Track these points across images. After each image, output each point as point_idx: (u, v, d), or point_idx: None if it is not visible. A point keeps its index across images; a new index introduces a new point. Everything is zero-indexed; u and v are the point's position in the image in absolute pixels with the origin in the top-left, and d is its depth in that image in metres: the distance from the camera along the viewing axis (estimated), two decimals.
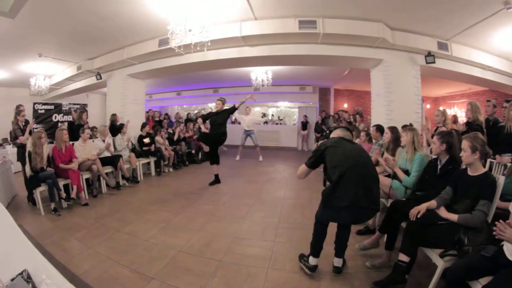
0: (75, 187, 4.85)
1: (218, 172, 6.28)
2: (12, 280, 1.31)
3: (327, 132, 10.31)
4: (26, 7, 4.41)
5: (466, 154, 2.36)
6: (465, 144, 2.39)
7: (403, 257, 2.33)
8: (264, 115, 15.56)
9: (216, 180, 6.28)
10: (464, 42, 5.93)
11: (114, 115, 7.48)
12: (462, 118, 10.33)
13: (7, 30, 5.35)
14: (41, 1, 4.42)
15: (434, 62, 5.69)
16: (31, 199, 4.93)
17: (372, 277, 2.55)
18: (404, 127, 3.94)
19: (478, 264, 1.87)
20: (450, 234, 2.24)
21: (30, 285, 1.31)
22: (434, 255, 2.30)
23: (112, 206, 4.93)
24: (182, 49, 4.59)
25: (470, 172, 2.41)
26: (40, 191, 4.64)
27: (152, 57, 7.03)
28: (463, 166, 2.56)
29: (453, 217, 2.28)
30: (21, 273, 1.35)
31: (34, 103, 10.76)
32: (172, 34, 4.25)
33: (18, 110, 5.39)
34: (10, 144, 9.00)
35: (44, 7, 4.67)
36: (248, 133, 9.72)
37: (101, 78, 8.03)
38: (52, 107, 11.26)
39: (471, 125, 4.31)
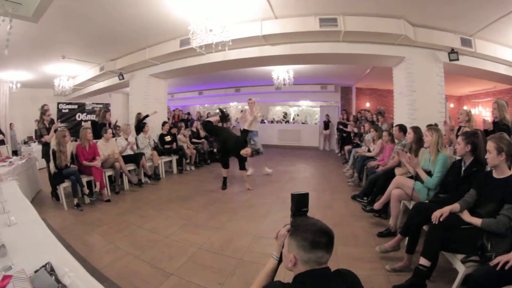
0: (98, 183, 4.99)
1: (226, 175, 5.93)
2: (35, 272, 1.35)
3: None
4: (49, 12, 4.54)
5: (492, 156, 2.27)
6: (490, 145, 2.29)
7: (424, 261, 2.27)
8: (285, 114, 15.53)
9: (223, 184, 5.92)
10: (488, 38, 5.71)
11: (139, 113, 7.65)
12: (487, 118, 10.00)
13: (32, 34, 5.56)
14: (63, 6, 4.55)
15: (457, 59, 5.51)
16: (55, 195, 5.11)
17: (392, 281, 2.50)
18: (429, 126, 3.82)
19: (502, 271, 1.80)
20: (473, 239, 2.17)
21: (53, 277, 1.35)
22: (456, 260, 2.23)
23: (133, 203, 5.04)
24: (203, 49, 4.63)
25: (495, 175, 2.32)
26: (64, 187, 4.79)
27: (174, 57, 7.11)
28: (488, 168, 2.47)
29: (477, 221, 2.21)
30: (44, 266, 1.40)
31: (58, 103, 11.07)
32: (193, 34, 4.28)
33: (44, 110, 5.58)
34: (35, 142, 9.36)
35: (66, 12, 4.83)
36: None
37: (123, 78, 8.24)
38: (76, 106, 11.56)
39: (498, 125, 4.14)
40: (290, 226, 1.36)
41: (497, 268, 1.82)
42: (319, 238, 1.19)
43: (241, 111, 14.14)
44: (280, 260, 1.52)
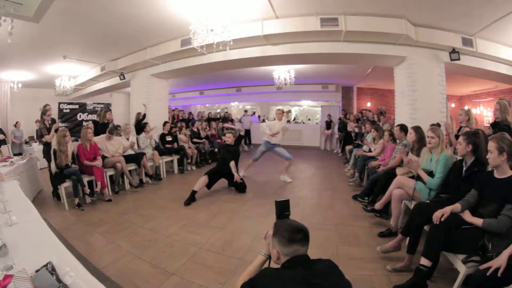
0: (99, 183, 5.00)
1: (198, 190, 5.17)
2: (36, 271, 1.35)
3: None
4: (50, 12, 4.56)
5: (493, 156, 2.26)
6: (491, 145, 2.28)
7: (425, 261, 2.27)
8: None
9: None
10: (489, 37, 5.70)
11: (139, 113, 7.68)
12: (488, 118, 10.01)
13: (33, 34, 5.58)
14: (64, 6, 4.57)
15: (458, 59, 5.50)
16: (56, 194, 5.12)
17: (392, 281, 2.50)
18: (432, 125, 3.80)
19: (503, 272, 1.78)
20: (474, 239, 2.16)
21: (54, 277, 1.35)
22: (457, 260, 2.23)
23: (134, 203, 5.06)
24: (204, 49, 4.63)
25: (496, 175, 2.31)
26: (65, 186, 4.80)
27: (175, 57, 7.12)
28: (490, 168, 2.46)
29: (478, 221, 2.20)
30: (45, 265, 1.40)
31: (59, 103, 11.09)
32: (194, 34, 4.29)
33: (45, 110, 5.59)
34: (36, 142, 9.36)
35: (67, 12, 4.84)
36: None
37: (124, 78, 8.25)
38: (77, 106, 11.57)
39: (499, 125, 4.12)
40: (273, 227, 1.61)
41: (488, 273, 1.80)
42: (293, 234, 1.45)
43: (245, 111, 14.16)
44: (269, 257, 1.75)
